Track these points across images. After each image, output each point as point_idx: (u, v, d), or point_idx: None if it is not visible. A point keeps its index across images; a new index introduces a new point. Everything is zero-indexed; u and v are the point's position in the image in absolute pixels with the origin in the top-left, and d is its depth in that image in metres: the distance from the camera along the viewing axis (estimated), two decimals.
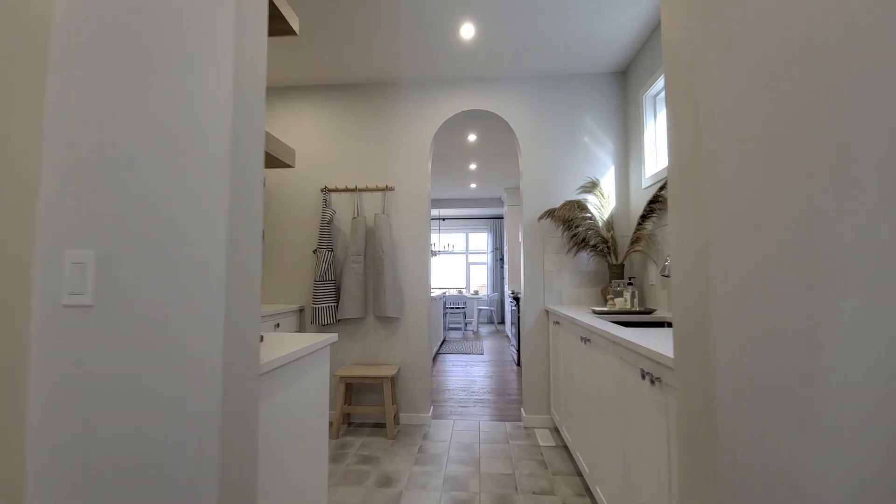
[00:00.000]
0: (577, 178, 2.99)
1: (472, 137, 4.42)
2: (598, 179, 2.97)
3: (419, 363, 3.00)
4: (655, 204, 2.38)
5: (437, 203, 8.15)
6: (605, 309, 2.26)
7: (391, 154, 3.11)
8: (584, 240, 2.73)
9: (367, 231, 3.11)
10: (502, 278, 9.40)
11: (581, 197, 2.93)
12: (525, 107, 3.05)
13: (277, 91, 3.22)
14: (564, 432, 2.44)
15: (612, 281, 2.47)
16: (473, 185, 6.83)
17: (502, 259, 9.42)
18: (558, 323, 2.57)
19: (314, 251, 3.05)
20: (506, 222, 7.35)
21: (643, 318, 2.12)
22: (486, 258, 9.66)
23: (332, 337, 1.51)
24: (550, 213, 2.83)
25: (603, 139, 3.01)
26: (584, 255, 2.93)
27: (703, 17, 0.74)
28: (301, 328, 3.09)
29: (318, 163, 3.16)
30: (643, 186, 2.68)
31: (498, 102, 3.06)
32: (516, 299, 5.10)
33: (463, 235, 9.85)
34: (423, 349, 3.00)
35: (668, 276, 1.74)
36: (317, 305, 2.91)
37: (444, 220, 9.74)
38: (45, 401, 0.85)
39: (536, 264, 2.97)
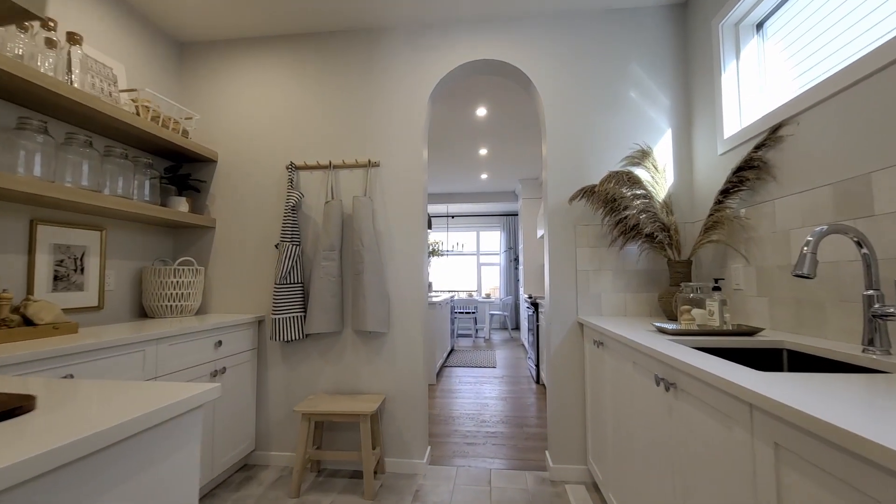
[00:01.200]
0: (619, 147, 2.24)
1: (481, 112, 3.70)
2: (649, 147, 2.22)
3: (411, 392, 2.28)
4: (747, 171, 1.62)
5: (444, 198, 7.44)
6: (678, 327, 1.50)
7: (376, 121, 2.40)
8: (634, 226, 1.98)
9: (344, 219, 2.40)
10: (517, 281, 8.63)
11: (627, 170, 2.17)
12: (549, 55, 2.31)
13: (229, 44, 2.55)
14: (612, 499, 1.69)
15: (682, 284, 1.71)
16: (484, 176, 6.09)
17: (517, 259, 8.65)
18: (601, 344, 1.82)
19: (276, 245, 2.37)
20: (521, 219, 6.59)
21: (748, 343, 1.36)
22: (499, 259, 8.90)
23: (205, 392, 0.80)
24: (587, 192, 2.07)
25: (655, 94, 2.25)
26: (634, 249, 2.18)
27: None
28: (260, 345, 2.40)
29: (283, 133, 2.48)
30: (720, 152, 1.92)
31: (514, 50, 2.33)
32: (534, 305, 4.35)
33: (473, 234, 9.11)
34: (415, 373, 2.28)
35: (807, 276, 0.99)
36: (278, 316, 2.22)
37: (453, 217, 9.02)
38: None
39: (566, 261, 2.23)
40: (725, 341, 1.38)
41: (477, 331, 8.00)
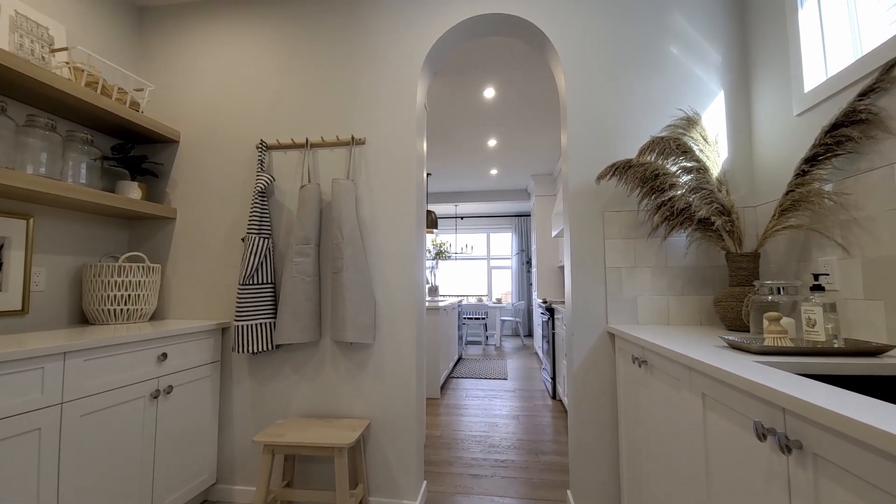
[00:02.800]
0: (657, 116, 1.81)
1: (489, 93, 3.30)
2: (696, 114, 1.78)
3: (402, 415, 1.86)
4: (849, 128, 1.18)
5: (452, 197, 7.05)
6: (764, 343, 1.06)
7: (362, 92, 2.02)
8: (682, 210, 1.54)
9: (323, 206, 2.02)
10: (529, 284, 8.16)
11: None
12: (568, 6, 1.90)
13: (195, 7, 2.21)
14: None
15: (756, 283, 1.27)
16: (494, 172, 5.68)
17: (529, 262, 8.20)
18: (644, 363, 1.38)
19: (242, 239, 1.99)
20: (534, 218, 6.15)
21: (873, 368, 0.92)
22: (511, 262, 8.45)
23: None
24: (620, 169, 1.64)
25: (703, 48, 1.82)
26: (680, 240, 1.74)
27: None
28: (224, 356, 2.02)
29: (255, 109, 2.11)
30: (796, 112, 1.48)
31: (525, 2, 1.93)
32: (549, 310, 3.90)
33: (483, 236, 8.69)
34: (407, 393, 1.87)
35: None
36: (241, 322, 1.84)
37: (462, 218, 8.62)
38: None
39: (592, 257, 1.80)
40: (840, 365, 0.94)
41: (487, 338, 7.55)
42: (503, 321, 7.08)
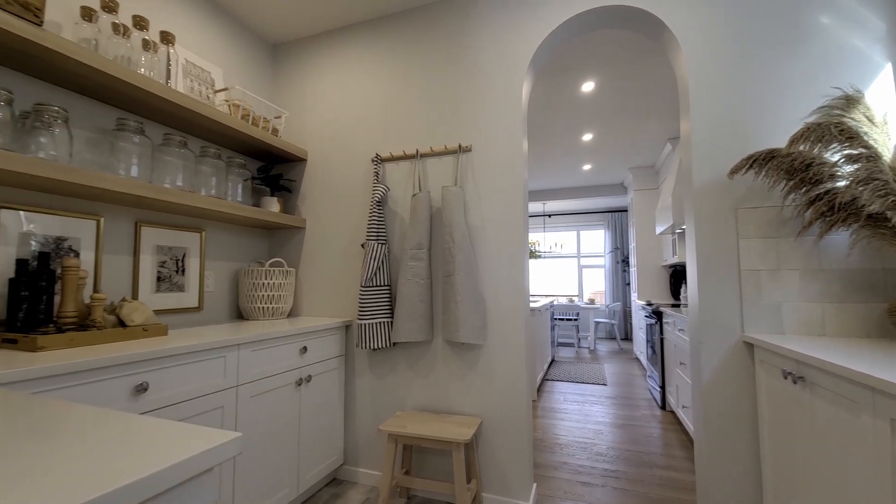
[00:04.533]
0: (805, 98, 1.59)
1: (587, 87, 3.17)
2: (858, 91, 1.52)
3: (512, 416, 1.89)
4: None
5: (540, 195, 6.90)
6: None
7: (466, 100, 2.09)
8: (846, 204, 1.33)
9: (433, 212, 2.13)
10: (626, 285, 7.66)
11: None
12: None
13: (316, 39, 2.47)
14: None
15: None
16: (587, 167, 5.43)
17: (625, 261, 7.69)
18: (800, 379, 1.23)
19: (362, 245, 2.19)
20: (632, 214, 5.76)
21: None
22: (604, 260, 8.01)
23: (223, 446, 0.53)
24: (760, 161, 1.47)
25: (862, 14, 1.55)
26: (841, 237, 1.51)
27: None
28: (348, 351, 2.24)
29: (369, 125, 2.30)
30: None
31: None
32: (656, 314, 3.63)
33: (573, 233, 8.35)
34: (517, 394, 1.90)
35: None
36: (364, 321, 2.03)
37: (549, 216, 8.39)
38: None
39: (723, 258, 1.64)
40: None
41: (580, 340, 7.25)
42: (597, 323, 6.74)
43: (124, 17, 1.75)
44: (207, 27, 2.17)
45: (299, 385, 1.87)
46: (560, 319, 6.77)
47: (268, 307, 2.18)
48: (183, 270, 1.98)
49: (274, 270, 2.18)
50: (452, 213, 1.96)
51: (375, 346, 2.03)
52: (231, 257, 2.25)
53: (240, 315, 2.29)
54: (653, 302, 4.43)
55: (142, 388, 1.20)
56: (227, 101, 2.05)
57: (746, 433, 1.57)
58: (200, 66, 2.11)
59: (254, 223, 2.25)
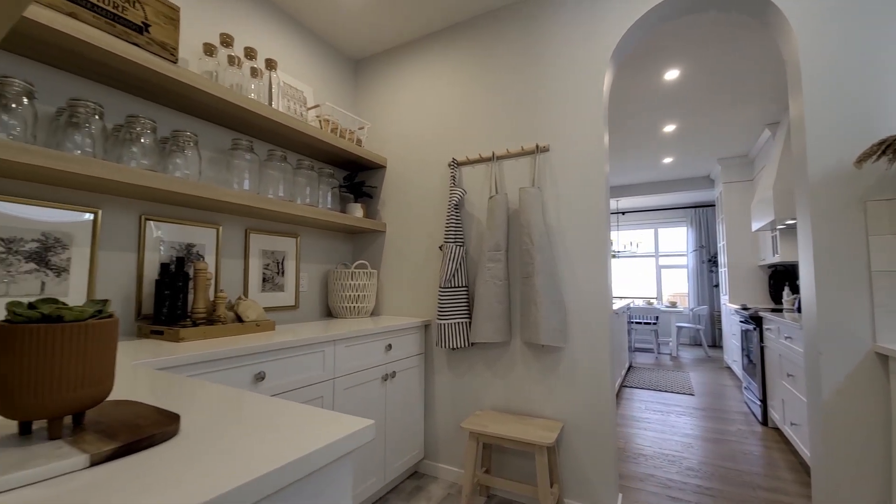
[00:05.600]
0: None
1: (671, 75, 2.97)
2: None
3: (596, 421, 1.84)
4: None
5: (614, 192, 6.56)
6: None
7: (543, 99, 2.07)
8: None
9: (510, 214, 2.13)
10: (714, 286, 7.02)
11: None
12: None
13: (395, 51, 2.59)
14: None
15: None
16: (668, 160, 5.06)
17: (713, 260, 7.04)
18: None
19: (440, 247, 2.26)
20: (721, 209, 5.26)
21: None
22: (686, 260, 7.40)
23: (359, 433, 0.59)
24: (895, 145, 1.28)
25: None
26: None
27: None
28: (427, 350, 2.32)
29: (445, 129, 2.37)
30: None
31: None
32: (755, 319, 3.28)
33: (650, 231, 7.83)
34: (601, 400, 1.83)
35: None
36: (443, 321, 2.09)
37: (623, 213, 7.95)
38: None
39: (848, 258, 1.45)
40: None
41: (659, 346, 6.77)
42: (679, 328, 6.24)
43: (237, 49, 1.99)
44: (300, 50, 2.38)
45: (385, 380, 1.98)
46: (637, 323, 6.38)
47: (353, 306, 2.33)
48: (282, 272, 2.19)
49: (358, 272, 2.33)
50: (530, 214, 1.95)
51: (454, 346, 2.08)
52: (321, 260, 2.44)
53: (329, 313, 2.48)
54: (749, 306, 4.01)
55: (261, 377, 1.35)
56: (318, 116, 2.23)
57: (878, 461, 1.37)
58: (295, 87, 2.31)
59: (340, 228, 2.42)
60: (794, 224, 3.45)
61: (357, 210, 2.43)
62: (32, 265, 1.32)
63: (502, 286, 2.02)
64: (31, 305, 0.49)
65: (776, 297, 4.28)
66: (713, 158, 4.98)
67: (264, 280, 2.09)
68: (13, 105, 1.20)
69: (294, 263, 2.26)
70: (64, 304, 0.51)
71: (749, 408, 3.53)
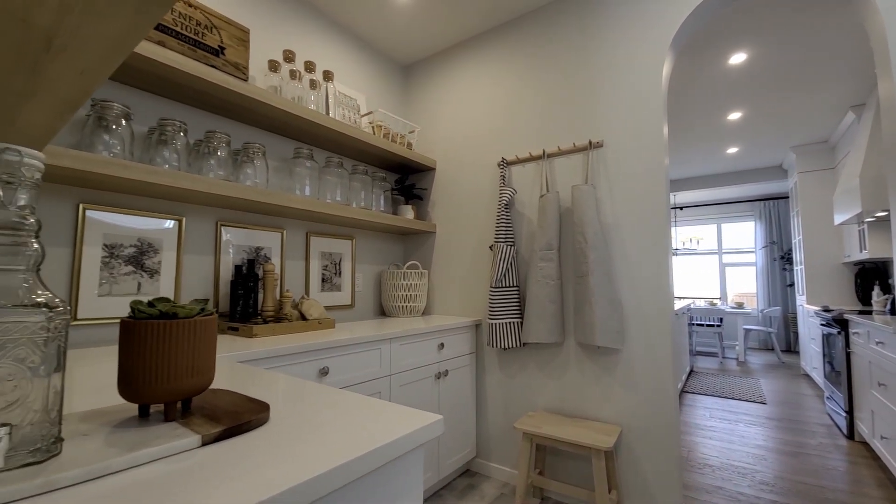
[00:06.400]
0: None
1: (737, 59, 2.76)
2: None
3: (657, 427, 1.76)
4: None
5: (672, 185, 6.20)
6: None
7: (595, 94, 2.01)
8: None
9: (562, 212, 2.10)
10: (788, 286, 6.44)
11: None
12: None
13: (442, 55, 2.62)
14: None
15: None
16: (733, 150, 4.71)
17: (786, 257, 6.46)
18: None
19: (490, 247, 2.26)
20: (797, 201, 4.81)
21: None
22: (754, 257, 6.85)
23: (430, 426, 0.62)
24: None
25: None
26: None
27: None
28: (478, 349, 2.34)
29: (494, 129, 2.37)
30: None
31: None
32: (839, 322, 2.98)
33: (712, 227, 7.32)
34: (663, 404, 1.75)
35: None
36: (494, 321, 2.10)
37: (681, 208, 7.50)
38: None
39: None
40: None
41: (724, 349, 6.32)
42: (747, 330, 5.78)
43: (298, 63, 2.12)
44: (354, 60, 2.48)
45: (438, 378, 2.02)
46: (699, 325, 6.00)
47: (405, 306, 2.40)
48: (339, 273, 2.30)
49: (410, 272, 2.39)
50: (584, 212, 1.90)
51: (505, 346, 2.08)
52: (374, 260, 2.53)
53: (382, 312, 2.57)
54: (832, 308, 3.64)
55: (325, 371, 1.44)
56: (370, 122, 2.32)
57: None
58: (349, 95, 2.42)
59: (392, 229, 2.50)
60: (886, 216, 3.08)
61: (408, 212, 2.50)
62: (131, 268, 1.49)
63: (555, 286, 1.99)
64: (150, 304, 0.56)
65: (864, 297, 3.85)
66: (786, 146, 4.57)
67: (323, 280, 2.20)
68: (114, 126, 1.36)
69: (350, 264, 2.36)
70: (176, 302, 0.58)
71: (832, 419, 3.21)
